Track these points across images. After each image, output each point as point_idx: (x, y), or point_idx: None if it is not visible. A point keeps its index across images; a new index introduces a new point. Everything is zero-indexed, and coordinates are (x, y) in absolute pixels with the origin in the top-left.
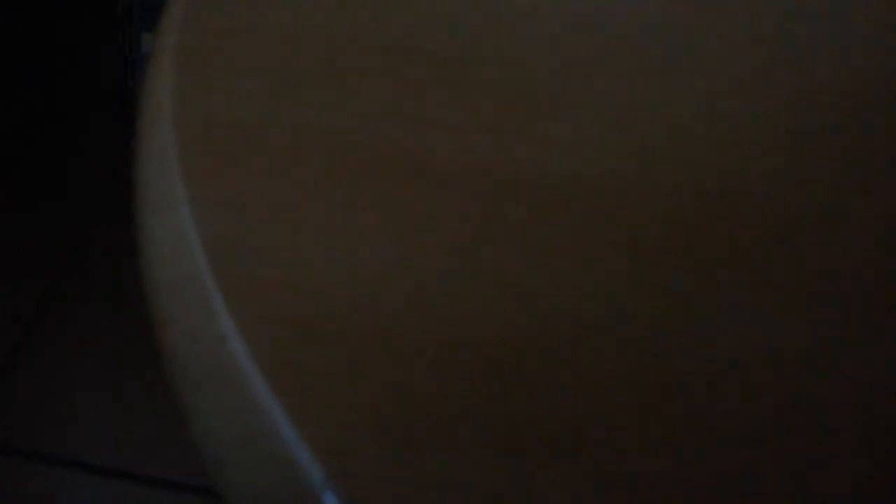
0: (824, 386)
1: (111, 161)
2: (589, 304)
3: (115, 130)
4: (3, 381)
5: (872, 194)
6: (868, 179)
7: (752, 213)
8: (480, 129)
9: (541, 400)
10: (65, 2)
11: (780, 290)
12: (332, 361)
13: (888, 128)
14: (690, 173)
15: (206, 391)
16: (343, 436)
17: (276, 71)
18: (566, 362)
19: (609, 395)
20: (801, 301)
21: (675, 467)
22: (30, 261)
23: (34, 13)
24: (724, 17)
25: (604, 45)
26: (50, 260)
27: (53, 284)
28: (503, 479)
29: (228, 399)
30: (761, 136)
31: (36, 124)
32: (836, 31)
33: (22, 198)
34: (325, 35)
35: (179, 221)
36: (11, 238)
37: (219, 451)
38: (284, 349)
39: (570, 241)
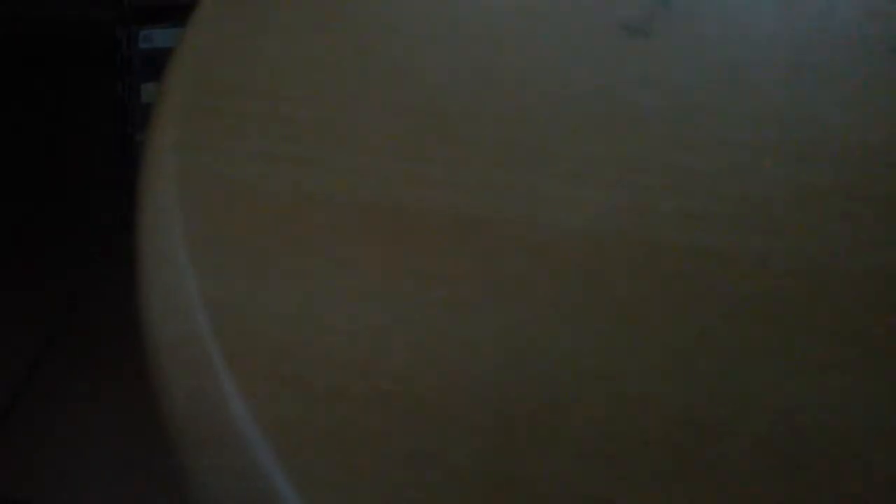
0: (831, 439)
1: (111, 208)
2: (588, 360)
3: (114, 178)
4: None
5: (866, 251)
6: (863, 237)
7: (752, 268)
8: (476, 187)
9: (542, 457)
10: (65, 50)
11: (779, 346)
12: (333, 422)
13: (884, 185)
14: (687, 229)
15: (206, 453)
16: (345, 498)
17: (276, 131)
18: (566, 419)
19: (608, 453)
20: (801, 357)
21: None
22: (29, 310)
23: (34, 61)
24: (716, 74)
25: (595, 104)
26: (49, 309)
27: (52, 334)
28: None
29: (228, 461)
30: (759, 192)
31: (37, 170)
32: (831, 85)
33: (21, 245)
34: (324, 97)
35: (180, 280)
36: (12, 285)
37: None
38: (285, 410)
39: (568, 296)
